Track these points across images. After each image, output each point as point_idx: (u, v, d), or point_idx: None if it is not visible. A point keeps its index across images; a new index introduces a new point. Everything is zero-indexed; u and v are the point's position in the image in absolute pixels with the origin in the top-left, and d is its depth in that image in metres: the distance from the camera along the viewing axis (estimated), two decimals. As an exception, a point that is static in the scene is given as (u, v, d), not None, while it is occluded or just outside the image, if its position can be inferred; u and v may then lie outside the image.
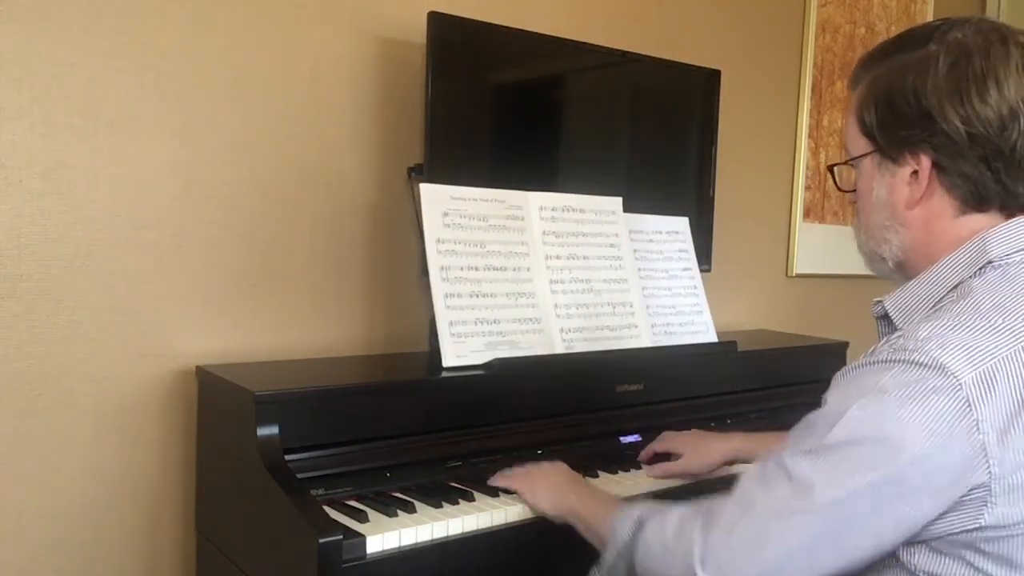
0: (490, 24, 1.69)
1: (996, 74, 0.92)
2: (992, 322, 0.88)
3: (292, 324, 1.63)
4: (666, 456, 1.51)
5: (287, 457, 1.24)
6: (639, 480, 1.48)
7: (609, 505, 1.15)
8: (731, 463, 1.48)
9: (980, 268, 0.95)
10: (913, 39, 0.99)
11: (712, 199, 2.14)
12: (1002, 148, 0.93)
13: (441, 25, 1.59)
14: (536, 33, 1.76)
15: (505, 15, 1.78)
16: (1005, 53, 0.93)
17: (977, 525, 0.86)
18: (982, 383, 0.84)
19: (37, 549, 1.41)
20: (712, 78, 2.10)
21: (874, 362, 0.91)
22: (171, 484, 1.53)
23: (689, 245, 1.91)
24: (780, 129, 2.52)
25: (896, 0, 2.79)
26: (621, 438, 1.61)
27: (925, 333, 0.88)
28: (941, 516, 0.87)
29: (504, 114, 1.79)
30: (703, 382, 1.82)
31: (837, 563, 0.90)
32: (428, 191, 1.53)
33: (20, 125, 1.35)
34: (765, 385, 1.90)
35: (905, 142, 0.97)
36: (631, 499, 1.34)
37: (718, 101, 2.11)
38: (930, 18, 2.91)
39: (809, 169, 2.58)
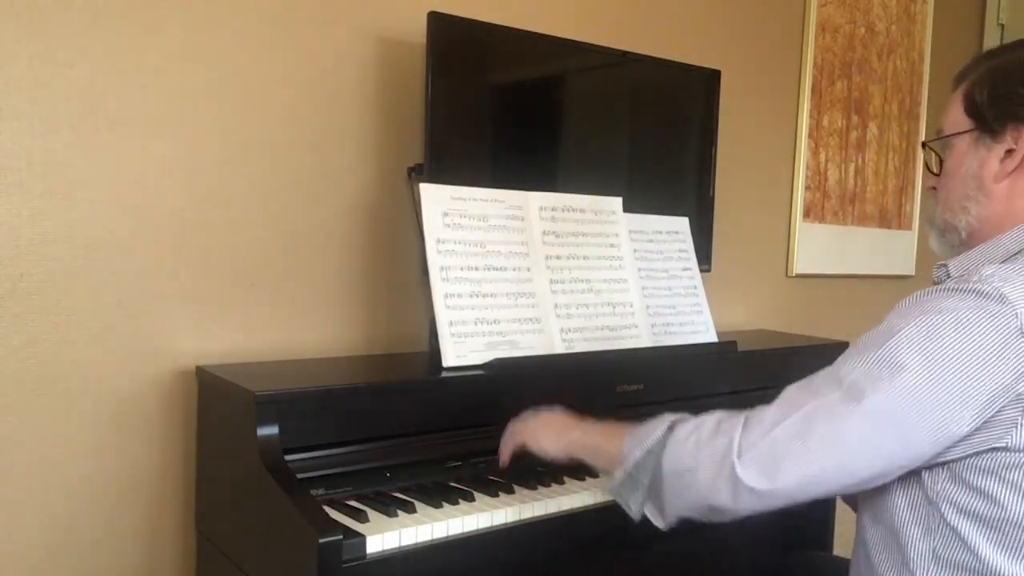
0: (490, 24, 1.69)
1: None
2: None
3: (292, 324, 1.63)
4: None
5: (287, 457, 1.24)
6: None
7: (623, 428, 1.18)
8: None
9: None
10: None
11: (712, 199, 2.14)
12: None
13: (441, 25, 1.59)
14: (536, 33, 1.76)
15: (505, 15, 1.78)
16: None
17: (1003, 444, 0.93)
18: None
19: (37, 549, 1.41)
20: (712, 78, 2.10)
21: (938, 290, 0.98)
22: (171, 484, 1.53)
23: (689, 245, 1.91)
24: (780, 129, 2.52)
25: (896, 0, 2.79)
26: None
27: (990, 271, 0.96)
28: (974, 432, 0.93)
29: (504, 114, 1.79)
30: (703, 382, 1.81)
31: (872, 468, 0.96)
32: (428, 191, 1.53)
33: (20, 125, 1.35)
34: (765, 385, 1.88)
35: (1011, 117, 1.06)
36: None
37: (718, 101, 2.11)
38: (930, 17, 2.91)
39: (809, 169, 2.58)
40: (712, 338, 1.87)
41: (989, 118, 1.08)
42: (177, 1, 1.47)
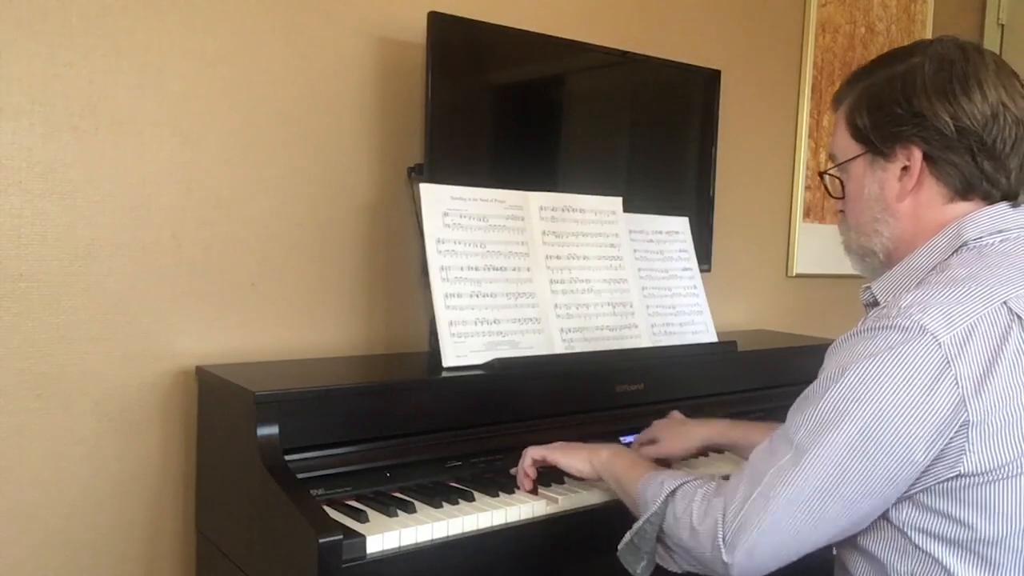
0: (490, 24, 1.69)
1: (977, 77, 1.04)
2: (967, 288, 0.97)
3: (292, 324, 1.63)
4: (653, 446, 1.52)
5: (287, 457, 1.24)
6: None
7: (641, 467, 1.21)
8: (709, 447, 1.54)
9: (956, 249, 1.05)
10: (894, 57, 1.11)
11: (712, 199, 2.14)
12: (986, 141, 1.03)
13: (441, 25, 1.59)
14: (536, 33, 1.76)
15: (505, 15, 1.78)
16: (982, 61, 1.05)
17: (957, 473, 0.94)
18: (959, 342, 0.94)
19: (37, 548, 1.41)
20: (712, 78, 2.10)
21: (862, 331, 1.00)
22: (171, 484, 1.53)
23: (689, 245, 1.91)
24: (780, 129, 2.52)
25: (896, 0, 2.79)
26: (621, 438, 1.61)
27: (907, 301, 0.98)
28: (928, 467, 0.95)
29: (504, 114, 1.79)
30: (703, 382, 1.81)
31: (839, 522, 0.98)
32: (428, 191, 1.53)
33: (20, 125, 1.35)
34: (765, 385, 1.90)
35: (898, 138, 1.07)
36: None
37: (718, 101, 2.11)
38: (930, 18, 2.91)
39: (809, 169, 2.57)
40: (712, 338, 1.87)
41: (876, 141, 1.09)
42: (177, 1, 1.47)
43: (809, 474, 0.96)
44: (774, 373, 1.94)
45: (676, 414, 1.58)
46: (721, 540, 0.99)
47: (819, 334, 2.34)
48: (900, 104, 1.06)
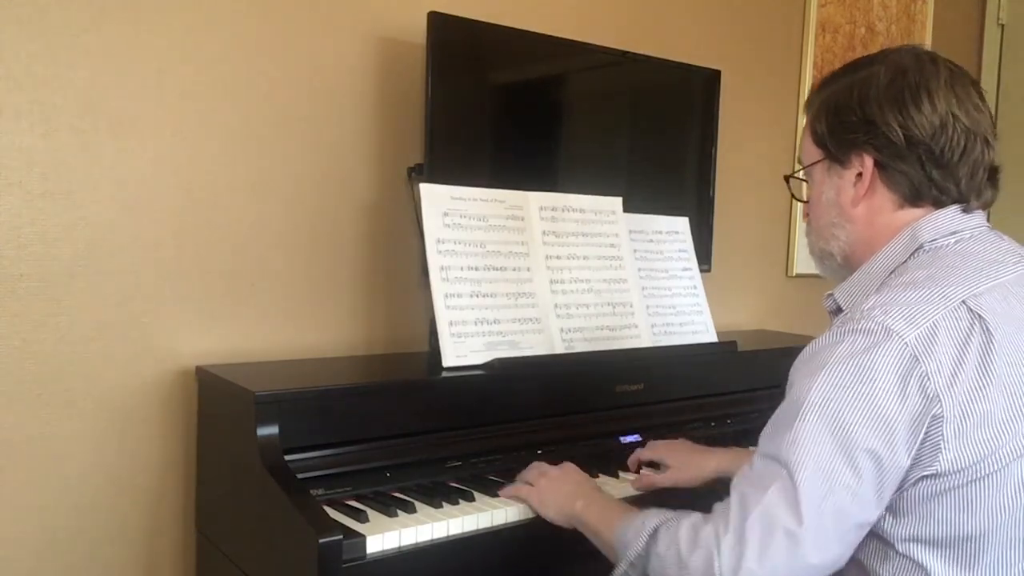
0: (490, 24, 1.69)
1: (928, 87, 1.06)
2: (927, 290, 0.99)
3: (292, 324, 1.63)
4: (653, 464, 1.50)
5: (287, 457, 1.24)
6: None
7: (616, 512, 1.17)
8: (722, 478, 1.46)
9: (913, 252, 1.07)
10: (859, 64, 1.14)
11: (712, 199, 2.14)
12: (934, 150, 1.06)
13: (441, 25, 1.59)
14: (536, 33, 1.76)
15: (505, 15, 1.78)
16: (935, 71, 1.07)
17: (934, 471, 0.95)
18: (925, 339, 0.95)
19: (37, 549, 1.41)
20: (712, 78, 2.10)
21: (828, 338, 1.02)
22: (171, 484, 1.53)
23: (689, 245, 1.91)
24: (780, 129, 2.52)
25: (896, 0, 2.79)
26: (621, 438, 1.61)
27: (869, 304, 1.00)
28: (908, 468, 0.95)
29: (504, 114, 1.79)
30: (703, 382, 1.82)
31: (844, 539, 0.96)
32: (428, 191, 1.53)
33: (20, 125, 1.35)
34: (765, 385, 1.90)
35: (851, 145, 1.10)
36: (632, 500, 1.35)
37: (718, 101, 2.11)
38: (930, 17, 2.91)
39: (809, 169, 2.57)
40: (712, 338, 1.87)
41: (832, 148, 1.12)
42: (177, 1, 1.47)
43: (803, 498, 0.94)
44: (774, 373, 1.92)
45: (683, 441, 1.54)
46: (717, 572, 0.96)
47: (819, 334, 2.34)
48: (854, 112, 1.09)
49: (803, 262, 2.58)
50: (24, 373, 1.37)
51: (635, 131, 2.00)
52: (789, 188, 1.27)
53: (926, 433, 0.94)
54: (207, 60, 1.51)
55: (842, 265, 1.16)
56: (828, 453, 0.94)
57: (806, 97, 1.21)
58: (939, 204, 1.08)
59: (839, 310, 1.13)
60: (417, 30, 1.61)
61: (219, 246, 1.54)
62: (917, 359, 0.94)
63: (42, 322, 1.38)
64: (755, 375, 1.90)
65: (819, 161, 1.15)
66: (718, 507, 1.02)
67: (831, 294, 1.16)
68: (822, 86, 1.17)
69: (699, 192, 2.12)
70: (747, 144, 2.40)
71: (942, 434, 0.94)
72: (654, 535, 1.06)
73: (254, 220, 1.58)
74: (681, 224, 1.92)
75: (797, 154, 1.23)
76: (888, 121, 1.06)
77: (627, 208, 1.79)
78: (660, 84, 2.03)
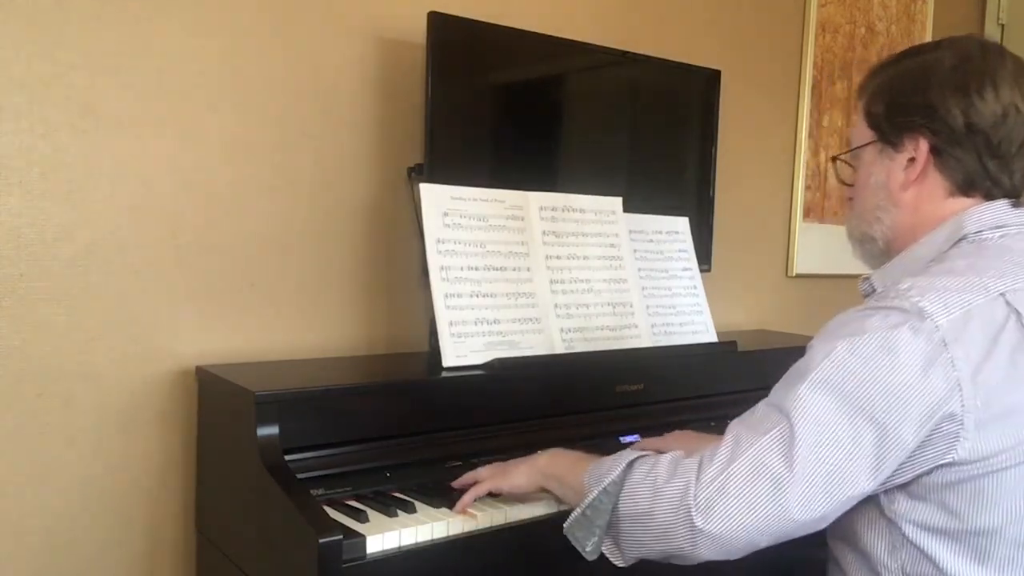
0: (490, 24, 1.69)
1: (993, 77, 1.04)
2: (966, 278, 0.98)
3: (292, 324, 1.63)
4: None
5: (287, 457, 1.24)
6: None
7: (586, 459, 1.16)
8: None
9: (956, 242, 1.06)
10: (921, 49, 1.13)
11: (712, 199, 2.14)
12: (992, 140, 1.05)
13: (441, 25, 1.59)
14: (536, 33, 1.76)
15: (505, 15, 1.78)
16: (1001, 62, 1.06)
17: (950, 459, 0.94)
18: (957, 327, 0.94)
19: (37, 549, 1.41)
20: (712, 78, 2.10)
21: (858, 312, 1.00)
22: (171, 484, 1.53)
23: (689, 245, 1.91)
24: (780, 129, 2.52)
25: (896, 0, 2.79)
26: (621, 438, 1.61)
27: (907, 285, 0.99)
28: (916, 450, 0.94)
29: (504, 114, 1.79)
30: (703, 382, 1.82)
31: (829, 502, 0.95)
32: (428, 191, 1.53)
33: (20, 125, 1.35)
34: (765, 385, 1.88)
35: (907, 128, 1.09)
36: None
37: (718, 101, 2.11)
38: (930, 18, 2.91)
39: (809, 169, 2.57)
40: (712, 338, 1.87)
41: (887, 130, 1.11)
42: (177, 1, 1.47)
43: (799, 451, 0.93)
44: (774, 373, 1.93)
45: (686, 432, 1.54)
46: (692, 500, 0.94)
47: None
48: (914, 95, 1.07)
49: (803, 262, 2.58)
50: (24, 373, 1.37)
51: (635, 131, 2.00)
52: (835, 170, 1.25)
53: (941, 420, 0.93)
54: (207, 60, 1.51)
55: (883, 250, 1.15)
56: (833, 413, 0.94)
57: (861, 81, 1.18)
58: (990, 196, 1.07)
59: (874, 294, 1.12)
60: (417, 30, 1.61)
61: (219, 246, 1.54)
62: (946, 344, 0.93)
63: (42, 322, 1.38)
64: (755, 375, 1.90)
65: (871, 143, 1.14)
66: (709, 445, 1.01)
67: (868, 277, 1.15)
68: (880, 69, 1.16)
69: (699, 192, 2.12)
70: (747, 144, 2.40)
71: (962, 423, 0.93)
72: (631, 465, 1.05)
73: (254, 220, 1.58)
74: (681, 224, 1.92)
75: (846, 138, 1.21)
76: (949, 107, 1.05)
77: (627, 208, 1.79)
78: (660, 84, 2.03)
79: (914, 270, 1.06)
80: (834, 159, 1.24)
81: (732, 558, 0.97)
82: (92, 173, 1.41)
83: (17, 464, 1.38)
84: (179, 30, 1.48)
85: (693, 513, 0.95)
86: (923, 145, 1.07)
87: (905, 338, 0.94)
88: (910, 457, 0.95)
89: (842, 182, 1.23)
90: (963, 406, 0.93)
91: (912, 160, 1.09)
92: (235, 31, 1.53)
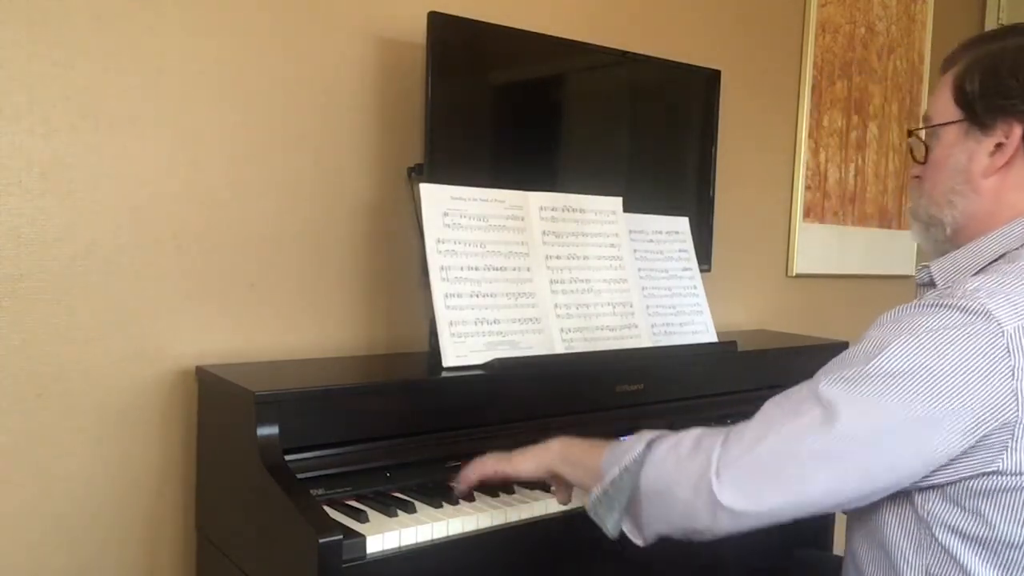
0: (490, 24, 1.69)
1: None
2: None
3: (292, 324, 1.63)
4: None
5: (287, 457, 1.24)
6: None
7: (601, 445, 1.12)
8: None
9: None
10: (1019, 29, 1.06)
11: (712, 199, 2.14)
12: None
13: (441, 25, 1.59)
14: (536, 33, 1.76)
15: (505, 15, 1.78)
16: None
17: (994, 468, 0.90)
18: (1022, 333, 0.88)
19: (37, 549, 1.41)
20: (712, 78, 2.10)
21: (921, 305, 0.95)
22: (171, 484, 1.53)
23: (689, 245, 1.91)
24: (780, 129, 2.52)
25: (896, 0, 2.79)
26: (621, 438, 1.61)
27: (974, 285, 0.93)
28: (961, 455, 0.90)
29: (504, 114, 1.79)
30: (703, 382, 1.82)
31: (859, 490, 0.93)
32: (428, 191, 1.53)
33: (20, 125, 1.35)
34: (765, 385, 1.89)
35: (1002, 111, 1.01)
36: None
37: (718, 101, 2.11)
38: (930, 18, 2.91)
39: (809, 169, 2.57)
40: (712, 338, 1.88)
41: (979, 110, 1.03)
42: (177, 1, 1.47)
43: (842, 438, 0.89)
44: (774, 373, 1.94)
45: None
46: (714, 476, 0.92)
47: (819, 334, 2.35)
48: (1016, 75, 1.00)
49: (803, 262, 2.58)
50: (24, 373, 1.37)
51: (635, 131, 2.00)
52: (909, 145, 1.15)
53: (993, 428, 0.89)
54: (207, 60, 1.51)
55: (949, 237, 1.08)
56: (878, 409, 0.90)
57: (952, 50, 1.09)
58: None
59: (931, 284, 1.07)
60: (417, 30, 1.61)
61: (219, 246, 1.54)
62: (1010, 352, 0.88)
63: (42, 322, 1.38)
64: (755, 375, 1.90)
65: (956, 122, 1.06)
66: (736, 425, 0.98)
67: (927, 266, 1.09)
68: (977, 42, 1.07)
69: (699, 192, 2.12)
70: (747, 144, 2.40)
71: (1012, 434, 0.89)
72: (651, 443, 1.02)
73: (254, 220, 1.58)
74: (681, 224, 1.92)
75: (924, 113, 1.12)
76: None
77: (627, 208, 1.79)
78: (660, 84, 2.03)
79: (979, 264, 1.01)
80: (910, 132, 1.15)
81: (751, 530, 0.96)
82: (92, 173, 1.41)
83: (17, 464, 1.38)
84: (179, 30, 1.48)
85: (715, 487, 0.92)
86: (1016, 131, 1.01)
87: (968, 341, 0.89)
88: (953, 461, 0.91)
89: (915, 159, 1.13)
90: (1017, 418, 0.88)
91: (1000, 146, 1.02)
92: (235, 31, 1.53)
